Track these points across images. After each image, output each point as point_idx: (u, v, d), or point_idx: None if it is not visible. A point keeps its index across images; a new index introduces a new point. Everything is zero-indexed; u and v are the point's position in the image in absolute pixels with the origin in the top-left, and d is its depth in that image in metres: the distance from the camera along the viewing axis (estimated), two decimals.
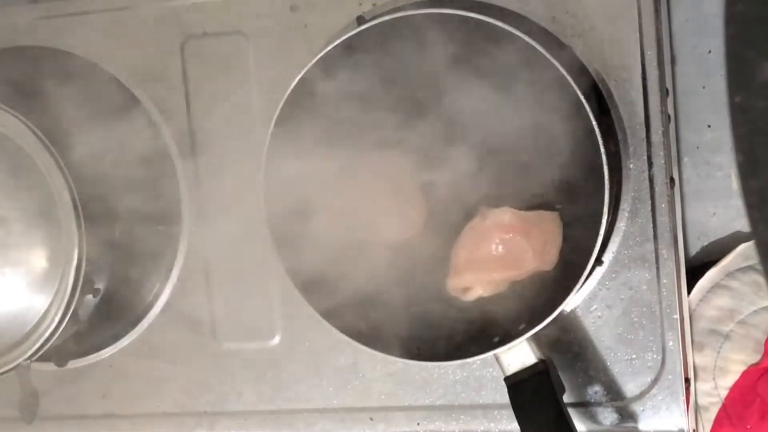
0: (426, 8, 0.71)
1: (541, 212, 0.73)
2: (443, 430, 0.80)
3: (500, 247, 0.73)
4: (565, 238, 0.73)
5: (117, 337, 0.85)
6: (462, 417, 0.79)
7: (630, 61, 0.73)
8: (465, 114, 0.76)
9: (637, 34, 0.73)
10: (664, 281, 0.74)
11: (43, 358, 0.76)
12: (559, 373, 0.72)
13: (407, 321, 0.76)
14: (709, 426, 0.78)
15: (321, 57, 0.72)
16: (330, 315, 0.74)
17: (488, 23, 0.69)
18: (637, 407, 0.75)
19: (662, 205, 0.74)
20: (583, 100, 0.67)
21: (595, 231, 0.68)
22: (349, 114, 0.78)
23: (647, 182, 0.74)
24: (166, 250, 0.84)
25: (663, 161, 0.73)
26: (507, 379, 0.71)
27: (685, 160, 0.81)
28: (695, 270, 0.79)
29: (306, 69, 0.73)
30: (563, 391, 0.71)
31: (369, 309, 0.76)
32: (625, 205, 0.74)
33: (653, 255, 0.74)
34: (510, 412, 0.71)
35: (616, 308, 0.75)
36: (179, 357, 0.85)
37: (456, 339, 0.74)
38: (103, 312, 0.80)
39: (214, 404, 0.85)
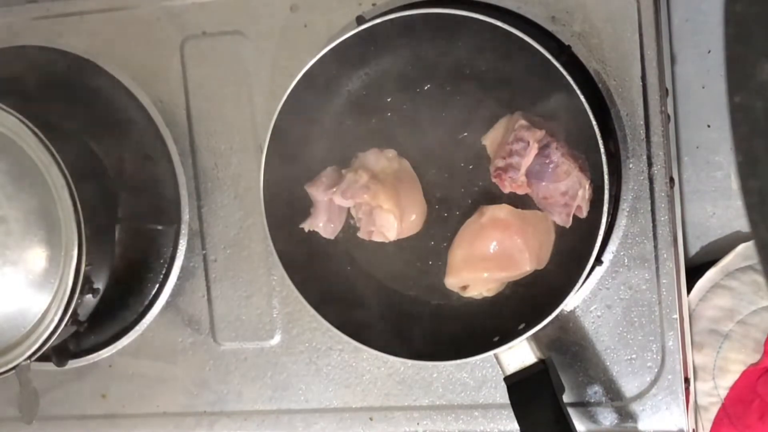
0: (426, 8, 0.71)
1: (537, 211, 0.73)
2: (443, 430, 0.80)
3: (497, 246, 0.73)
4: (565, 238, 0.73)
5: (117, 337, 0.86)
6: (462, 417, 0.79)
7: (630, 61, 0.73)
8: (463, 113, 0.76)
9: (637, 35, 0.73)
10: (664, 281, 0.74)
11: (43, 358, 0.76)
12: (559, 373, 0.72)
13: (407, 320, 0.76)
14: (709, 426, 0.78)
15: (321, 57, 0.72)
16: (329, 314, 0.74)
17: (488, 23, 0.69)
18: (636, 407, 0.75)
19: (662, 205, 0.74)
20: (583, 100, 0.67)
21: (595, 231, 0.68)
22: (349, 114, 0.78)
23: (647, 182, 0.74)
24: (166, 250, 0.84)
25: (663, 161, 0.73)
26: (507, 378, 0.71)
27: (685, 160, 0.81)
28: (695, 270, 0.79)
29: (306, 69, 0.73)
30: (563, 391, 0.71)
31: (369, 308, 0.76)
32: (625, 205, 0.74)
33: (653, 255, 0.74)
34: (510, 412, 0.71)
35: (616, 308, 0.75)
36: (179, 357, 0.85)
37: (456, 339, 0.74)
38: (103, 312, 0.80)
39: (213, 404, 0.85)
